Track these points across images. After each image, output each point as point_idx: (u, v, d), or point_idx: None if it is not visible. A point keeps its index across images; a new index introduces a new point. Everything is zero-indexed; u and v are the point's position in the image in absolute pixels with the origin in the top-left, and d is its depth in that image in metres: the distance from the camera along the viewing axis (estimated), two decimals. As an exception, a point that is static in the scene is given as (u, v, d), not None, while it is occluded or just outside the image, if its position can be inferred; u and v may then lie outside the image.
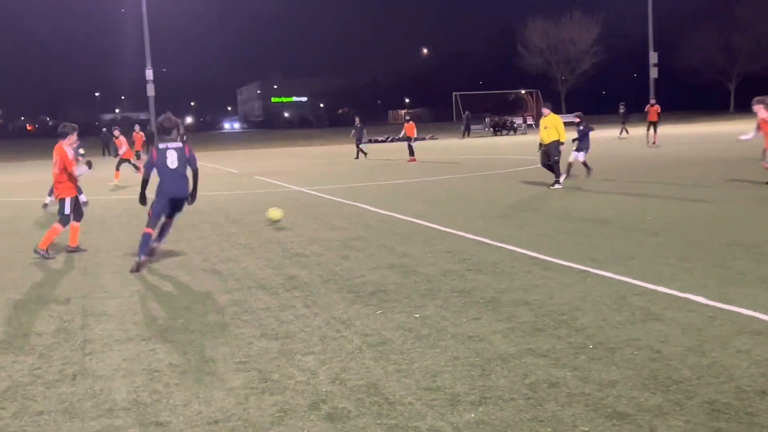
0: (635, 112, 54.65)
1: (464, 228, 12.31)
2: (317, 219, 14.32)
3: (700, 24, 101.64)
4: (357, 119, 37.04)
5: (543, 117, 18.49)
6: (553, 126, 17.97)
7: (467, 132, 62.96)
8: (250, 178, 26.77)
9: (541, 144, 18.48)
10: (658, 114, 36.38)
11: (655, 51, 70.82)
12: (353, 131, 37.20)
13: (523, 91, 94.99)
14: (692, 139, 41.10)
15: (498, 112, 74.32)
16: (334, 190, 20.32)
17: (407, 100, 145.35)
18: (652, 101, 37.17)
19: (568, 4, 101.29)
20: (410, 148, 32.76)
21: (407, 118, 35.34)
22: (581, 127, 19.49)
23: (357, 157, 35.49)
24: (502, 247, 10.52)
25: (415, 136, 33.83)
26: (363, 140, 37.35)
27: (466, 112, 65.95)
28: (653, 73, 71.13)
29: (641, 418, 4.53)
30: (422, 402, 4.94)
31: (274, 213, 13.75)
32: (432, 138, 61.86)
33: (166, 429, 4.71)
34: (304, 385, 5.37)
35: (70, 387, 5.53)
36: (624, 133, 45.63)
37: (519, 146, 41.96)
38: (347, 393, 5.16)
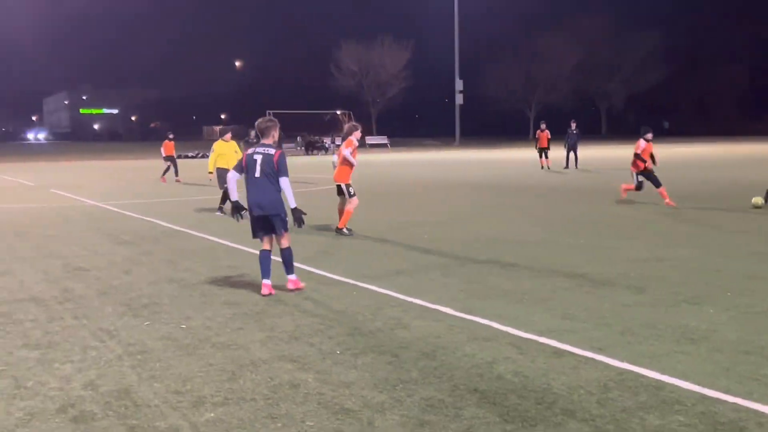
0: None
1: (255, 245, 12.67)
2: (107, 233, 14.25)
3: (503, 54, 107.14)
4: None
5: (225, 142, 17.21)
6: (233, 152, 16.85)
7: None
8: (45, 191, 25.93)
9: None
10: (548, 140, 34.82)
11: (460, 78, 74.15)
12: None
13: (339, 112, 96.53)
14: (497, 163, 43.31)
15: (312, 132, 75.04)
16: (130, 205, 20.13)
17: (223, 116, 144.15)
18: (542, 126, 35.07)
19: (380, 29, 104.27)
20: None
21: (170, 136, 31.51)
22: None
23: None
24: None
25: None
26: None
27: (278, 131, 66.02)
28: (459, 99, 74.46)
29: (363, 413, 5.07)
30: (168, 404, 5.28)
31: (757, 200, 16.98)
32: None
33: None
34: (57, 390, 5.57)
35: None
36: None
37: (328, 166, 42.57)
38: (97, 398, 5.42)
